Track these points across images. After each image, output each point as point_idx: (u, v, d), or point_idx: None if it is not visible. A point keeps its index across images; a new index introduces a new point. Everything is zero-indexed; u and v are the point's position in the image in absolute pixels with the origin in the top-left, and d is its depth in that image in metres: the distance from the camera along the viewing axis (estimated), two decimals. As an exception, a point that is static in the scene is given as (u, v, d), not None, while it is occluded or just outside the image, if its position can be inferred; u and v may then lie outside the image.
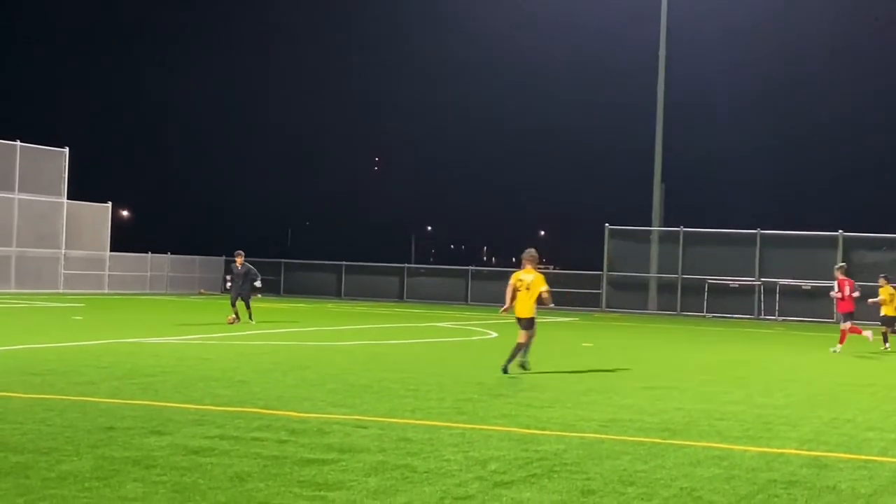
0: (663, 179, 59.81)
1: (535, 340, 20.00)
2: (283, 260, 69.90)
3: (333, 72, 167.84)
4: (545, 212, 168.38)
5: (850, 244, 53.10)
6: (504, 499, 8.85)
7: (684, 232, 56.42)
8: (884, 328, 31.25)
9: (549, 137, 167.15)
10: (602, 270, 58.08)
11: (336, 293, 65.09)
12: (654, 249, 57.76)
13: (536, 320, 19.95)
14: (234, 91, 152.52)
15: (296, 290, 65.55)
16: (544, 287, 19.50)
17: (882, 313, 31.59)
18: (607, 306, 57.04)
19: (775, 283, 53.12)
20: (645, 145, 63.55)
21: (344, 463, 10.09)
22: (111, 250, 61.23)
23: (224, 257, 69.09)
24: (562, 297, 58.85)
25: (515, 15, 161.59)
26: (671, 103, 61.16)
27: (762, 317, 52.81)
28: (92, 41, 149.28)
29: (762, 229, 54.87)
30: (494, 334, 32.09)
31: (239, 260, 33.57)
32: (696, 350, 28.85)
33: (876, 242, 53.99)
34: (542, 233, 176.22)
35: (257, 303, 40.84)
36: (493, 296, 60.98)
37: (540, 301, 19.62)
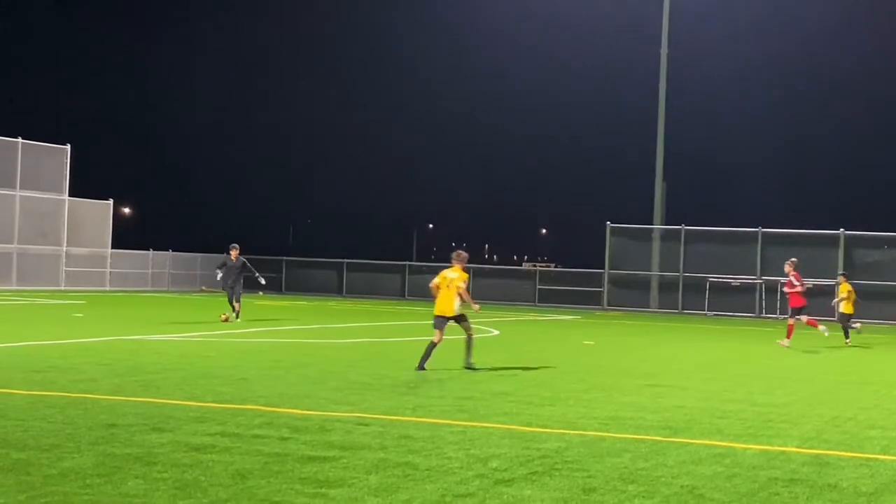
0: (665, 177, 59.80)
1: (475, 338, 19.89)
2: (284, 257, 69.89)
3: (336, 70, 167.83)
4: (547, 210, 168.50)
5: (851, 242, 53.10)
6: (505, 496, 8.85)
7: (686, 230, 56.40)
8: (842, 324, 32.22)
9: (550, 136, 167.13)
10: (603, 268, 58.06)
11: (338, 291, 65.08)
12: (656, 247, 57.74)
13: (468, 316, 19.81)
14: (237, 89, 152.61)
15: (297, 287, 65.56)
16: (461, 285, 19.56)
17: (840, 310, 32.58)
18: (608, 304, 57.04)
19: (777, 281, 53.05)
20: (646, 143, 63.59)
21: (345, 460, 10.10)
22: (113, 247, 61.24)
23: (225, 255, 69.09)
24: (563, 295, 58.96)
25: (518, 15, 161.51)
26: (673, 101, 61.27)
27: (763, 315, 52.79)
28: (93, 39, 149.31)
29: (763, 227, 54.85)
30: (496, 332, 32.09)
31: (234, 253, 33.22)
32: (697, 348, 28.84)
33: (878, 241, 53.97)
34: (544, 231, 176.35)
35: (260, 300, 40.87)
36: (495, 293, 61.04)
37: (462, 300, 19.64)
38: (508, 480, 9.48)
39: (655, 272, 57.42)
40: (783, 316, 51.45)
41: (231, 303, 32.64)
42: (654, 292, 57.44)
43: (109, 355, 19.81)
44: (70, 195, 58.37)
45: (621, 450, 11.22)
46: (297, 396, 14.69)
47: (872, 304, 52.51)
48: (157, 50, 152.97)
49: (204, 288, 64.73)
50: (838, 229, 53.20)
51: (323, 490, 8.82)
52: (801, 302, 30.04)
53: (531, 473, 9.82)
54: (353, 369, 18.64)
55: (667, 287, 57.05)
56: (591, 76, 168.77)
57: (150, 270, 64.05)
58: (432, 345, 19.23)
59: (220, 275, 33.59)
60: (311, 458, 10.12)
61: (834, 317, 32.36)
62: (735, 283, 53.60)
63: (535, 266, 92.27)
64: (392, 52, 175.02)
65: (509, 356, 23.22)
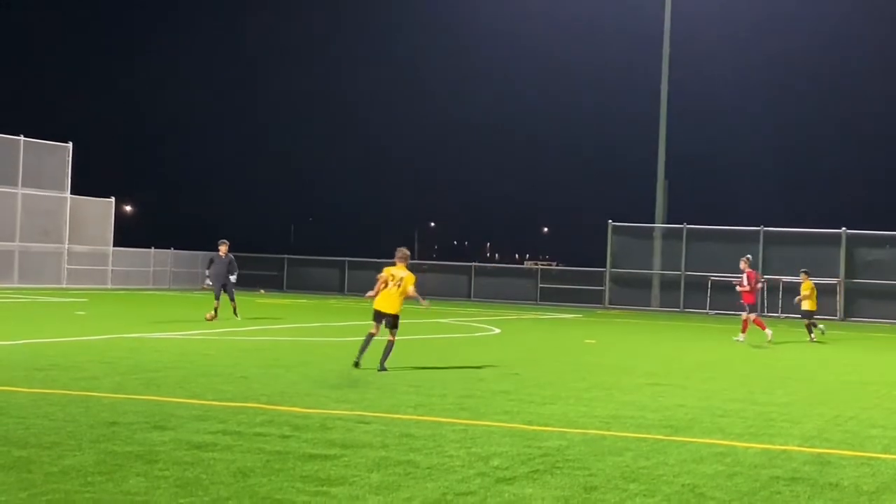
0: (666, 176, 59.78)
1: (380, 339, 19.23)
2: (285, 255, 69.89)
3: (338, 69, 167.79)
4: (548, 208, 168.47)
5: (853, 241, 53.09)
6: (506, 495, 8.85)
7: (687, 229, 56.39)
8: (805, 321, 32.79)
9: (552, 134, 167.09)
10: (605, 267, 58.05)
11: (339, 289, 65.09)
12: (658, 246, 57.73)
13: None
14: (239, 87, 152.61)
15: (298, 285, 65.56)
16: (411, 288, 19.25)
17: (804, 307, 33.05)
18: (610, 303, 57.04)
19: (778, 280, 53.05)
20: (648, 142, 63.57)
21: (346, 458, 10.10)
22: (114, 245, 61.25)
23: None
24: (565, 294, 58.95)
25: (520, 15, 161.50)
26: (675, 100, 61.17)
27: (765, 314, 52.75)
28: (96, 37, 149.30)
29: (765, 226, 54.84)
30: (497, 330, 32.09)
31: (223, 249, 32.78)
32: (698, 347, 28.84)
33: (879, 240, 53.95)
34: (545, 229, 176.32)
35: (261, 298, 40.85)
36: (496, 292, 61.07)
37: (412, 298, 19.44)
38: (510, 479, 9.48)
39: (657, 271, 57.40)
40: (784, 315, 51.52)
41: (218, 299, 32.05)
42: (656, 291, 57.43)
43: (111, 353, 19.82)
44: (72, 193, 58.38)
45: (622, 448, 11.22)
46: (298, 395, 14.70)
47: (874, 302, 52.55)
48: (159, 48, 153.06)
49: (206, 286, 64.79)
50: (840, 228, 53.19)
51: (324, 488, 8.82)
52: (751, 299, 30.58)
53: (532, 472, 9.83)
54: (355, 367, 18.63)
55: (668, 286, 57.04)
56: (593, 75, 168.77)
57: (151, 268, 64.07)
58: (370, 336, 18.95)
59: (208, 273, 33.04)
60: (312, 457, 10.13)
61: (802, 314, 32.82)
62: (737, 281, 53.48)
63: (536, 264, 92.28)
64: (394, 51, 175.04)
65: (510, 355, 23.23)
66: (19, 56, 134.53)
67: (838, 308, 52.62)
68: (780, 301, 53.08)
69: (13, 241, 55.07)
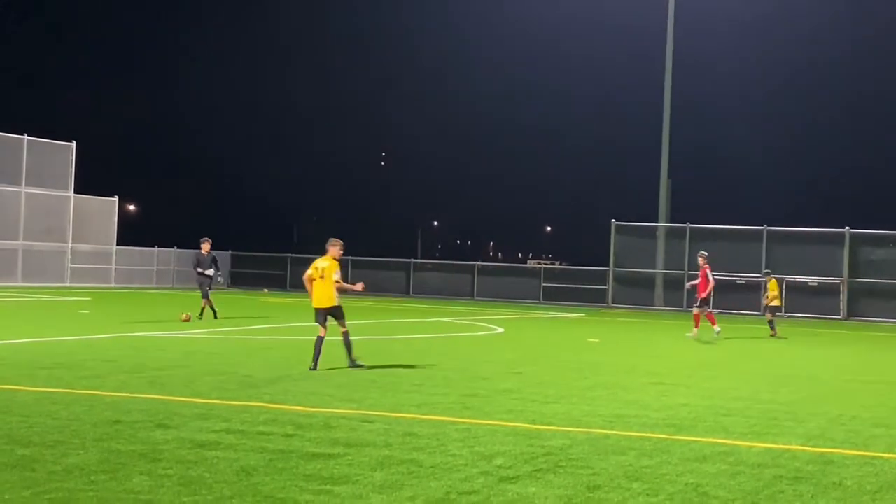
0: (670, 175, 59.74)
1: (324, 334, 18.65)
2: (289, 255, 69.88)
3: (341, 67, 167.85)
4: (551, 207, 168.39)
5: (857, 241, 53.04)
6: (509, 493, 8.86)
7: (690, 228, 56.34)
8: (769, 315, 33.65)
9: (555, 133, 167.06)
10: (608, 266, 58.02)
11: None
12: (661, 245, 57.65)
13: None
14: (242, 85, 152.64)
15: (301, 284, 65.04)
16: (334, 276, 18.79)
17: (770, 303, 33.86)
18: (613, 302, 57.01)
19: (782, 279, 53.01)
20: (651, 141, 63.52)
21: (350, 457, 10.10)
22: (118, 244, 61.29)
23: (231, 251, 69.19)
24: (568, 293, 58.91)
25: (523, 13, 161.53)
26: (678, 99, 61.09)
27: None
28: (98, 36, 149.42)
29: (769, 226, 54.81)
30: (500, 329, 32.08)
31: (205, 247, 32.39)
32: (701, 346, 28.81)
33: (883, 239, 53.90)
34: (549, 228, 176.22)
35: (265, 298, 40.82)
36: (499, 291, 61.04)
37: (343, 290, 19.04)
38: (513, 478, 9.48)
39: (660, 270, 57.35)
40: (788, 314, 51.51)
41: (204, 298, 31.56)
42: (659, 290, 57.36)
43: (114, 352, 19.84)
44: (75, 192, 58.42)
45: (626, 447, 11.22)
46: (301, 393, 14.71)
47: (877, 302, 52.49)
48: (162, 46, 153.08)
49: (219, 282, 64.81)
50: (843, 227, 53.15)
51: (327, 487, 8.83)
52: (705, 292, 31.00)
53: (536, 471, 9.83)
54: (358, 366, 18.63)
55: (671, 285, 56.95)
56: (596, 74, 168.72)
57: (155, 267, 64.11)
58: (319, 339, 18.45)
59: (200, 271, 32.36)
60: (315, 455, 10.13)
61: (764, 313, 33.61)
62: (740, 281, 53.49)
63: (539, 264, 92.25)
64: (396, 49, 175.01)
65: (514, 354, 23.22)
66: (22, 55, 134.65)
67: (842, 307, 52.58)
68: (784, 301, 53.06)
69: (17, 239, 55.11)
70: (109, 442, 10.46)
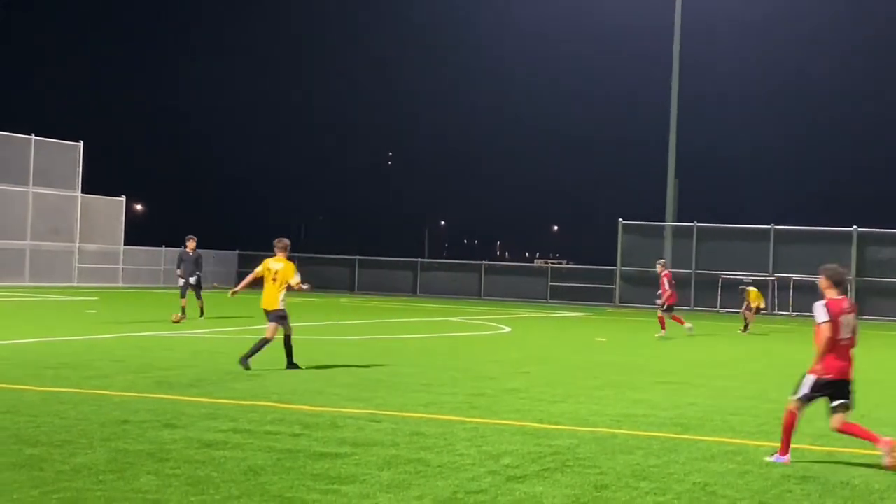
0: (677, 174, 59.68)
1: (292, 337, 18.49)
2: (296, 254, 69.53)
3: (347, 65, 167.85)
4: (558, 207, 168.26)
5: (864, 240, 52.97)
6: (517, 493, 8.85)
7: (698, 227, 56.30)
8: (751, 317, 35.11)
9: (562, 132, 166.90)
10: (615, 265, 57.98)
11: (349, 288, 65.08)
12: (668, 244, 57.61)
13: (288, 313, 18.55)
14: (248, 85, 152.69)
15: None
16: (294, 279, 18.41)
17: (755, 306, 35.01)
18: (620, 301, 56.95)
19: (789, 278, 52.97)
20: (659, 140, 63.48)
21: (357, 457, 10.11)
22: (125, 244, 61.33)
23: (237, 251, 69.23)
24: (575, 292, 58.88)
25: (530, 12, 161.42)
26: (685, 98, 61.06)
27: (776, 312, 52.67)
28: (106, 35, 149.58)
29: (776, 225, 54.76)
30: (507, 329, 32.07)
31: (191, 245, 31.80)
32: (709, 345, 28.78)
33: (890, 238, 53.80)
34: (556, 227, 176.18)
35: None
36: (506, 291, 61.00)
37: (290, 287, 18.48)
38: (520, 477, 9.48)
39: (668, 269, 57.29)
40: (796, 313, 51.45)
41: (183, 298, 30.97)
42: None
43: (122, 352, 19.86)
44: (83, 192, 58.44)
45: (633, 447, 11.21)
46: (308, 393, 14.71)
47: (885, 301, 52.43)
48: (169, 47, 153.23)
49: (216, 284, 64.82)
50: (851, 226, 53.08)
51: (335, 486, 8.83)
52: (672, 299, 31.42)
53: (543, 470, 9.83)
54: (365, 366, 18.65)
55: (679, 284, 56.77)
56: (602, 72, 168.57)
57: (162, 267, 64.11)
58: (263, 340, 18.04)
59: (180, 273, 31.72)
60: (323, 455, 10.14)
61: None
62: (747, 279, 53.37)
63: (546, 263, 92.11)
64: (403, 48, 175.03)
65: (521, 353, 23.23)
66: (29, 55, 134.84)
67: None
68: (791, 300, 53.02)
69: (24, 239, 55.16)
70: (117, 441, 10.47)
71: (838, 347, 10.91)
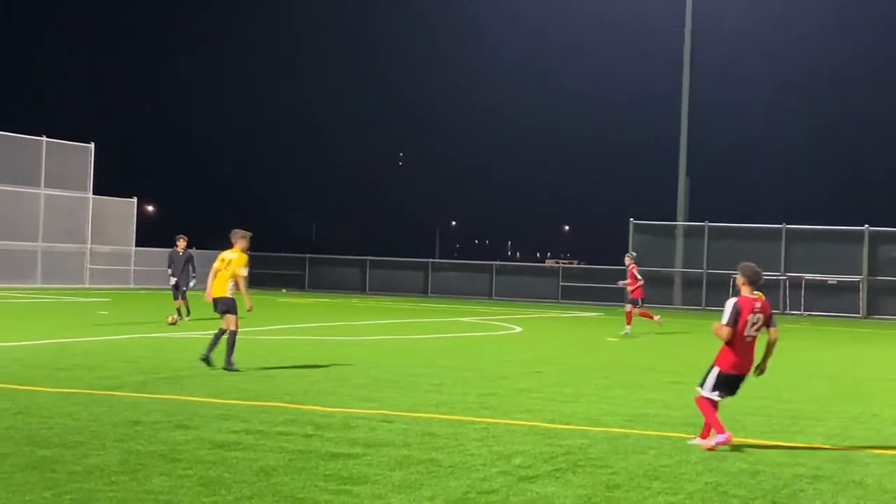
0: (688, 174, 59.60)
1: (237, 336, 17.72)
2: (307, 255, 69.97)
3: (359, 67, 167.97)
4: (569, 206, 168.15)
5: (876, 239, 52.85)
6: (529, 493, 8.85)
7: (709, 226, 56.23)
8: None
9: (573, 132, 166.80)
10: (626, 265, 57.86)
11: (360, 288, 65.11)
12: (679, 244, 57.55)
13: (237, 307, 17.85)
14: (260, 85, 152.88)
15: (320, 285, 65.59)
16: (241, 270, 17.82)
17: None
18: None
19: (801, 277, 52.88)
20: (670, 140, 63.38)
21: (369, 457, 10.11)
22: (137, 245, 61.41)
23: (248, 252, 69.19)
24: (586, 292, 58.81)
25: (541, 10, 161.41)
26: (696, 97, 60.95)
27: (787, 311, 52.58)
28: (117, 37, 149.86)
29: (787, 224, 54.67)
30: (519, 329, 32.05)
31: (181, 244, 31.48)
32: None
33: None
34: (567, 227, 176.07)
35: (283, 298, 40.81)
36: (517, 291, 60.97)
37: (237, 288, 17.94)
38: (532, 477, 9.48)
39: (679, 269, 57.25)
40: (807, 312, 51.34)
41: (177, 299, 30.70)
42: (678, 289, 57.23)
43: (134, 353, 19.90)
44: (94, 193, 58.56)
45: (645, 447, 11.20)
46: (320, 393, 14.72)
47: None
48: (180, 47, 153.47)
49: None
50: (863, 225, 52.97)
51: (347, 487, 8.84)
52: (639, 293, 31.55)
53: (555, 470, 9.82)
54: (377, 367, 18.66)
55: (690, 284, 56.86)
56: (613, 72, 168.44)
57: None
58: (231, 335, 17.51)
59: (171, 272, 31.36)
60: (334, 455, 10.15)
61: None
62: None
63: (558, 263, 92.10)
64: (415, 47, 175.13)
65: (532, 353, 23.22)
66: (41, 57, 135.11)
67: (861, 306, 52.39)
68: (803, 300, 52.92)
69: (36, 241, 55.29)
70: (129, 442, 10.49)
71: (743, 344, 11.52)
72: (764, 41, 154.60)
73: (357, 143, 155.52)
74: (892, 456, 11.23)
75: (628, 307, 31.33)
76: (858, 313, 52.00)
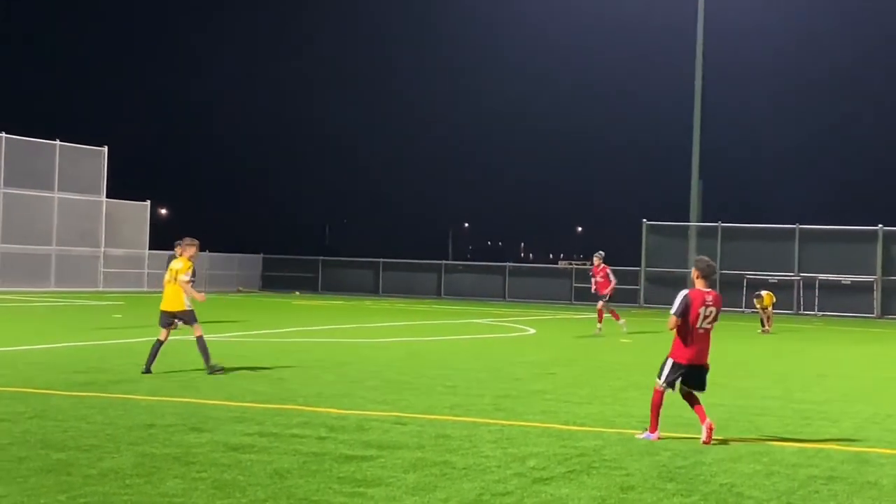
0: (701, 174, 59.50)
1: (166, 341, 17.69)
2: (320, 257, 70.08)
3: (372, 70, 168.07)
4: (582, 207, 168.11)
5: (890, 238, 52.71)
6: (543, 495, 8.85)
7: (722, 227, 56.16)
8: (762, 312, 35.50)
9: (586, 133, 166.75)
10: (640, 266, 57.87)
11: (374, 290, 65.18)
12: (692, 245, 57.46)
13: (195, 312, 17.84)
14: (272, 89, 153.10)
15: (333, 287, 65.71)
16: (183, 276, 17.71)
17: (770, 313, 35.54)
18: (645, 302, 56.84)
19: (814, 277, 52.77)
20: (682, 141, 63.32)
21: (383, 459, 10.12)
22: (150, 248, 61.55)
23: (262, 255, 69.40)
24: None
25: (553, 12, 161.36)
26: (709, 98, 60.87)
27: (801, 312, 52.49)
28: (130, 41, 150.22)
29: (801, 224, 54.56)
30: (532, 331, 32.04)
31: (179, 250, 31.59)
32: (733, 346, 28.69)
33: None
34: (580, 228, 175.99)
35: (297, 300, 40.83)
36: (531, 292, 60.97)
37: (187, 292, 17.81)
38: (546, 479, 9.48)
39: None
40: (821, 313, 51.24)
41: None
42: (692, 290, 57.10)
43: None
44: (107, 197, 58.71)
45: (659, 448, 11.19)
46: (334, 396, 14.73)
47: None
48: (192, 51, 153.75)
49: (241, 288, 65.03)
50: (876, 225, 52.84)
51: (361, 489, 8.84)
52: (607, 290, 31.54)
53: (569, 472, 9.82)
54: (391, 368, 18.66)
55: (703, 284, 56.72)
56: (626, 73, 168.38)
57: (187, 271, 64.29)
58: (158, 343, 17.52)
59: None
60: (349, 458, 10.15)
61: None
62: (773, 279, 53.21)
63: (571, 264, 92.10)
64: (427, 50, 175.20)
65: (546, 355, 23.21)
66: (54, 61, 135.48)
67: (875, 306, 52.28)
68: (817, 300, 52.82)
69: (50, 244, 55.46)
70: (144, 446, 10.51)
71: (696, 335, 11.74)
72: (776, 41, 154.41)
73: (370, 146, 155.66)
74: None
75: (600, 304, 31.37)
76: (872, 313, 51.88)
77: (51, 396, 13.95)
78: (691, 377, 11.85)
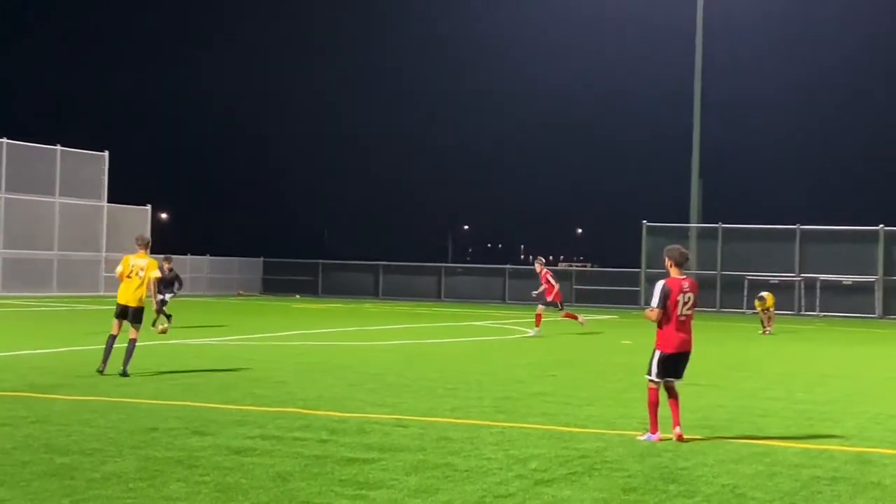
0: (701, 175, 59.52)
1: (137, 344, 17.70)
2: (320, 260, 70.07)
3: (372, 72, 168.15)
4: (582, 209, 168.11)
5: (891, 238, 52.71)
6: (545, 497, 8.85)
7: (723, 228, 56.17)
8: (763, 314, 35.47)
9: (585, 135, 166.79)
10: (640, 267, 57.86)
11: (374, 293, 65.18)
12: (693, 246, 57.44)
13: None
14: (273, 93, 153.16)
15: (333, 290, 65.70)
16: (154, 273, 18.01)
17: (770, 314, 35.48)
18: (646, 303, 56.72)
19: (815, 278, 52.77)
20: (682, 142, 63.32)
21: (384, 462, 10.12)
22: (151, 253, 61.43)
23: (262, 258, 69.40)
24: (600, 295, 58.79)
25: (552, 12, 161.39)
26: (709, 97, 60.86)
27: (802, 312, 52.50)
28: (131, 46, 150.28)
29: (802, 225, 54.55)
30: (532, 333, 32.02)
31: (167, 265, 31.22)
32: (735, 346, 28.71)
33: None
34: (580, 230, 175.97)
35: (297, 304, 40.83)
36: (530, 294, 60.97)
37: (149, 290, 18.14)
38: (548, 481, 9.48)
39: (693, 271, 57.15)
40: (823, 313, 51.23)
41: (163, 313, 29.76)
42: (692, 291, 57.13)
43: (149, 360, 19.93)
44: (108, 201, 58.70)
45: (661, 449, 11.20)
46: (335, 399, 14.74)
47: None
48: (193, 56, 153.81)
49: (241, 292, 65.04)
50: (878, 225, 52.84)
51: (363, 492, 8.85)
52: (557, 297, 32.13)
53: (571, 474, 9.82)
54: (391, 371, 18.67)
55: (704, 285, 56.67)
56: (625, 74, 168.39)
57: (188, 275, 64.25)
58: (112, 338, 17.57)
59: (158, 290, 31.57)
60: (350, 460, 10.16)
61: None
62: (774, 280, 53.21)
63: (571, 266, 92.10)
64: (425, 51, 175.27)
65: (547, 356, 23.21)
66: (55, 66, 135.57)
67: (877, 306, 52.28)
68: (818, 300, 52.81)
69: (51, 249, 55.46)
70: (146, 449, 10.52)
71: (678, 323, 12.00)
72: (777, 40, 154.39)
73: (369, 147, 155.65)
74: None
75: (540, 308, 31.57)
76: (874, 314, 51.88)
77: (53, 401, 13.96)
78: (674, 365, 12.07)
